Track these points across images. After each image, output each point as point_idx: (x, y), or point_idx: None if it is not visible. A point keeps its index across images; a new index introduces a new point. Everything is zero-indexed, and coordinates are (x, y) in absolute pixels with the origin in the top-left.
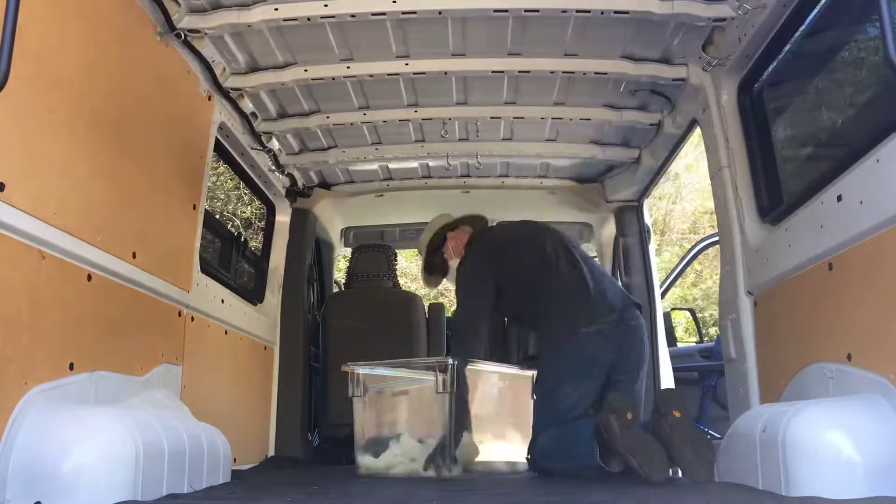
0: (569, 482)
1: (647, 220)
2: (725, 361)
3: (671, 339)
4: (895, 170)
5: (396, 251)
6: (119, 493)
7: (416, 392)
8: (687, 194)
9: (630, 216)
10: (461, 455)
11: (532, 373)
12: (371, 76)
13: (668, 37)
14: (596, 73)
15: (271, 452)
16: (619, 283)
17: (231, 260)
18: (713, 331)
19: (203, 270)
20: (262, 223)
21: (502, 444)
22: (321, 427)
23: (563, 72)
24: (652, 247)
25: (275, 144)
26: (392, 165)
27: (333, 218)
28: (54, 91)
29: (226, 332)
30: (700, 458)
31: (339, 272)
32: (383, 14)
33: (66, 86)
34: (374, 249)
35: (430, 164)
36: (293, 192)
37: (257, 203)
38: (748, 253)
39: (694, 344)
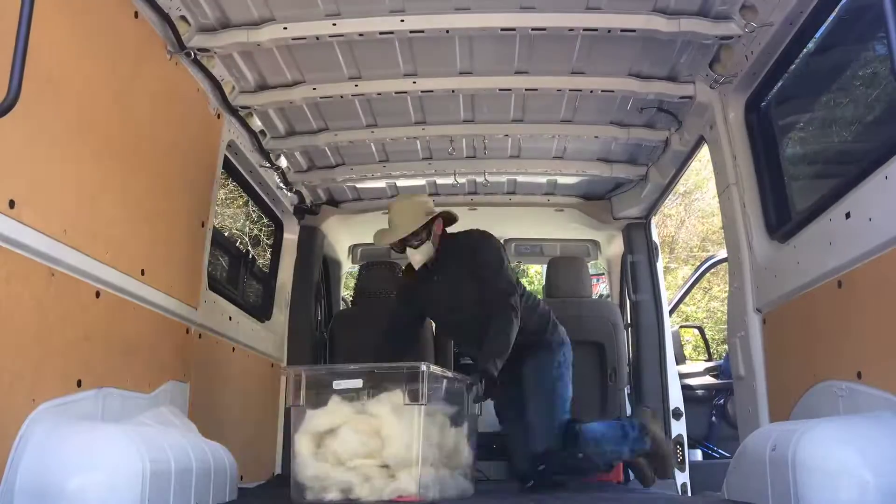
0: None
1: (655, 237)
2: (734, 379)
3: (680, 357)
4: None
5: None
6: None
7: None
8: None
9: (638, 233)
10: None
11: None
12: (379, 94)
13: (675, 55)
14: (603, 91)
15: (278, 471)
16: (628, 300)
17: (239, 277)
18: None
19: (211, 287)
20: (270, 240)
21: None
22: None
23: (571, 89)
24: (660, 264)
25: (283, 162)
26: (400, 183)
27: (341, 235)
28: (64, 109)
29: (233, 349)
30: None
31: (347, 290)
32: (391, 33)
33: (76, 104)
34: (381, 266)
35: (438, 181)
36: (301, 210)
37: (265, 220)
38: (757, 270)
39: (703, 362)
